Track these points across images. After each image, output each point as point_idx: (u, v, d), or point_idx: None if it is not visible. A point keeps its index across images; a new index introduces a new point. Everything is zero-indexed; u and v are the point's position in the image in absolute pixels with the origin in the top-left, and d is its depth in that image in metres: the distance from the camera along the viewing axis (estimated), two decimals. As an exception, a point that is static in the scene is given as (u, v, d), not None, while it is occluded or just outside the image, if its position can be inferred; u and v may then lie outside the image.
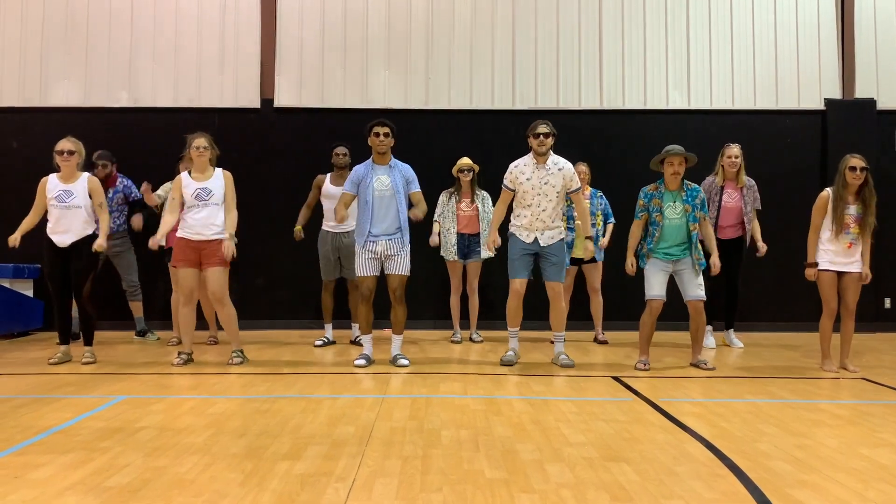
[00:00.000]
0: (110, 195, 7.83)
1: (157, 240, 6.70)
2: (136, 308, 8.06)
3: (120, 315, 8.34)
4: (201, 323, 7.65)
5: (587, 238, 6.43)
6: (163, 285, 8.56)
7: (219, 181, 6.31)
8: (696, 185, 6.22)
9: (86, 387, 5.33)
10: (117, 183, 7.91)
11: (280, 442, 3.81)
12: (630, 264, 6.24)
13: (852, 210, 5.98)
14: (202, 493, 3.03)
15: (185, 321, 6.36)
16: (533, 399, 4.93)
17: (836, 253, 6.02)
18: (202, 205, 6.22)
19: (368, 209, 6.20)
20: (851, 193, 5.98)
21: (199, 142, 6.27)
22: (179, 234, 6.31)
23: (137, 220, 7.85)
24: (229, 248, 6.23)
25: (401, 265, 6.24)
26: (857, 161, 5.93)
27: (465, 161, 7.83)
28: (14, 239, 6.18)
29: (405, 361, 6.25)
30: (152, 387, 5.34)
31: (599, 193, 7.86)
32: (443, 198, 7.91)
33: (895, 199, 8.90)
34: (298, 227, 7.61)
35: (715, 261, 6.26)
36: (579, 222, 6.76)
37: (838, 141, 8.86)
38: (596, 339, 7.98)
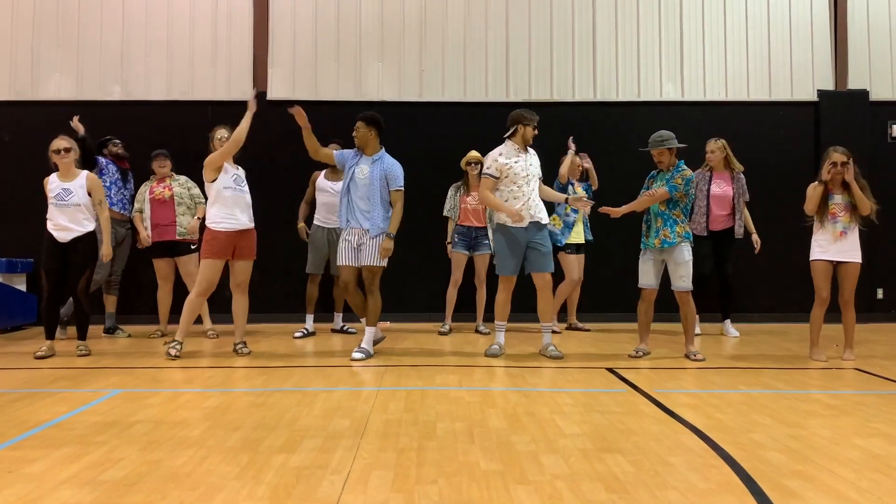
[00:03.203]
0: (129, 178, 7.92)
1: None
2: (111, 303, 7.89)
3: (124, 309, 8.29)
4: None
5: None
6: (141, 280, 8.52)
7: (242, 172, 6.61)
8: (681, 166, 6.19)
9: (80, 381, 5.32)
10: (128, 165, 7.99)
11: (275, 435, 3.81)
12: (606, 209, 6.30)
13: (838, 199, 6.05)
14: (198, 486, 3.03)
15: (192, 314, 6.37)
16: (528, 391, 4.94)
17: (829, 242, 6.05)
18: (239, 192, 6.41)
19: (346, 196, 6.32)
20: (836, 185, 6.04)
21: (222, 133, 6.61)
22: (217, 227, 6.27)
23: (145, 237, 7.78)
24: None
25: (371, 256, 6.24)
26: (838, 157, 6.02)
27: (474, 154, 7.86)
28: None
29: (358, 354, 6.16)
30: (147, 381, 5.33)
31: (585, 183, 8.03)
32: (451, 191, 7.99)
33: (888, 189, 8.92)
34: (302, 225, 7.86)
35: (617, 209, 6.25)
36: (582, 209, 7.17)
37: (831, 132, 8.86)
38: (571, 327, 8.22)
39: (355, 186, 6.29)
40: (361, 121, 6.35)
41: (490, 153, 6.37)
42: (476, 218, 7.84)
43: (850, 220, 6.03)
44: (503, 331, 6.48)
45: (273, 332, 8.07)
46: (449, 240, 7.96)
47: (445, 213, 7.98)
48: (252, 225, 6.49)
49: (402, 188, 6.34)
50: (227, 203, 6.33)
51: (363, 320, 6.50)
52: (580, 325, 8.23)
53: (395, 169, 6.34)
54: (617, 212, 6.27)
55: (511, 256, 6.28)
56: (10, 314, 8.10)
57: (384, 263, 6.32)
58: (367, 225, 6.25)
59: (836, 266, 6.10)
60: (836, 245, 6.04)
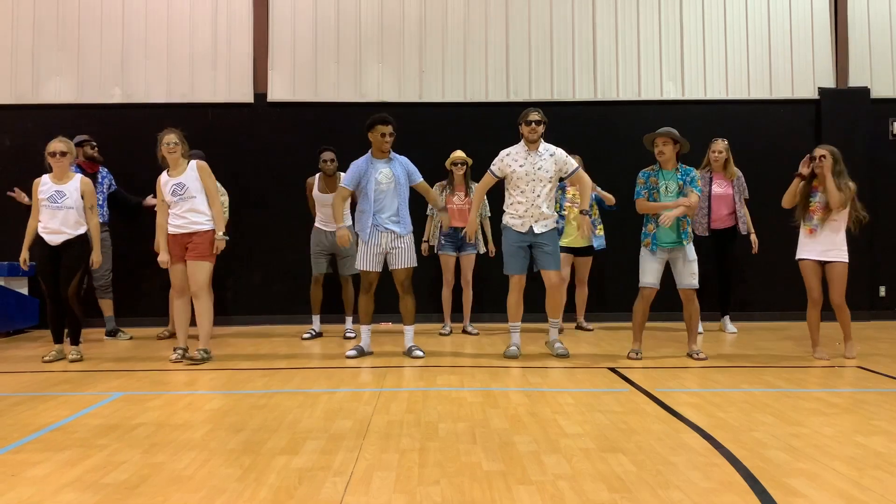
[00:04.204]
0: (99, 180, 7.75)
1: (163, 258, 6.32)
2: (107, 307, 7.87)
3: (128, 311, 8.29)
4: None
5: (582, 212, 6.29)
6: (139, 282, 8.54)
7: (192, 173, 6.28)
8: (691, 168, 6.22)
9: (82, 384, 5.32)
10: (100, 169, 7.84)
11: (278, 437, 3.82)
12: (665, 217, 5.97)
13: (819, 197, 6.05)
14: (200, 488, 3.03)
15: (178, 316, 6.35)
16: (530, 391, 4.94)
17: (806, 239, 6.10)
18: (179, 200, 6.23)
19: (370, 202, 6.26)
20: (818, 182, 6.06)
21: (169, 138, 6.27)
22: (168, 231, 6.33)
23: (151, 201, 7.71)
24: (220, 246, 6.25)
25: (406, 258, 6.36)
26: (817, 150, 6.06)
27: (459, 154, 7.83)
28: (24, 257, 6.29)
29: (420, 353, 6.34)
30: (148, 383, 5.33)
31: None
32: (436, 191, 7.86)
33: (889, 187, 8.94)
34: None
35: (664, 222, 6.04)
36: (575, 207, 6.96)
37: (832, 130, 8.86)
38: (579, 327, 8.23)
39: (379, 192, 6.26)
40: (392, 125, 6.31)
41: (503, 150, 6.34)
42: (462, 218, 7.77)
43: (823, 218, 6.02)
44: (518, 331, 6.42)
45: (275, 333, 8.08)
46: (426, 237, 7.89)
47: (428, 212, 7.94)
48: (202, 227, 6.20)
49: None
50: (172, 210, 6.25)
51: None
52: (585, 325, 8.22)
53: (410, 162, 6.50)
54: (669, 217, 5.96)
55: (516, 256, 6.24)
56: (11, 318, 8.11)
57: (416, 262, 6.46)
58: (399, 229, 6.30)
59: (823, 266, 6.10)
60: (815, 244, 6.05)
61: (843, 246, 6.04)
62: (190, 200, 6.22)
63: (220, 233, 6.28)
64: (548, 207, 6.22)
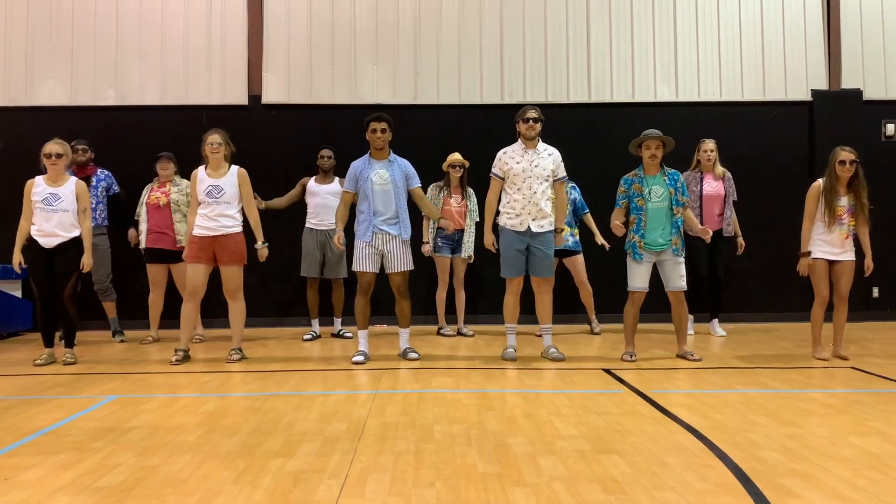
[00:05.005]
0: (93, 183, 7.73)
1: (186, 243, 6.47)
2: (110, 308, 7.89)
3: (124, 314, 8.27)
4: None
5: (559, 231, 6.34)
6: (137, 285, 8.50)
7: (232, 179, 6.33)
8: (676, 171, 6.23)
9: (76, 387, 5.30)
10: (98, 172, 7.85)
11: (273, 439, 3.81)
12: (616, 226, 6.13)
13: (843, 202, 6.07)
14: (195, 491, 3.02)
15: (187, 318, 6.35)
16: (525, 393, 4.94)
17: (830, 243, 6.09)
18: (213, 202, 6.25)
19: (368, 203, 6.23)
20: (842, 185, 6.06)
21: (213, 138, 6.32)
22: (194, 231, 6.30)
23: (133, 235, 7.97)
24: (264, 254, 6.40)
25: (402, 261, 6.31)
26: (847, 154, 6.03)
27: (456, 157, 7.83)
28: (17, 259, 6.23)
29: (415, 355, 6.34)
30: (143, 386, 5.32)
31: (572, 184, 7.90)
32: (432, 192, 7.85)
33: (883, 188, 8.96)
34: (261, 202, 7.36)
35: (706, 238, 6.23)
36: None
37: (825, 132, 8.90)
38: (591, 331, 8.11)
39: (375, 193, 6.22)
40: (387, 122, 6.25)
41: (500, 151, 6.32)
42: (459, 220, 7.79)
43: (853, 222, 6.07)
44: (514, 333, 6.43)
45: (270, 336, 8.07)
46: (425, 239, 7.84)
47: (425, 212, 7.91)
48: (232, 230, 6.26)
49: None
50: (203, 210, 6.27)
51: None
52: (594, 326, 8.17)
53: (411, 167, 6.41)
54: (708, 233, 6.20)
55: (513, 258, 6.20)
56: (5, 320, 8.08)
57: (412, 266, 6.40)
58: (395, 231, 6.26)
59: (831, 264, 6.12)
60: (829, 245, 6.09)
61: (851, 245, 6.13)
62: (224, 205, 6.27)
63: (261, 241, 6.36)
64: (546, 206, 6.18)
